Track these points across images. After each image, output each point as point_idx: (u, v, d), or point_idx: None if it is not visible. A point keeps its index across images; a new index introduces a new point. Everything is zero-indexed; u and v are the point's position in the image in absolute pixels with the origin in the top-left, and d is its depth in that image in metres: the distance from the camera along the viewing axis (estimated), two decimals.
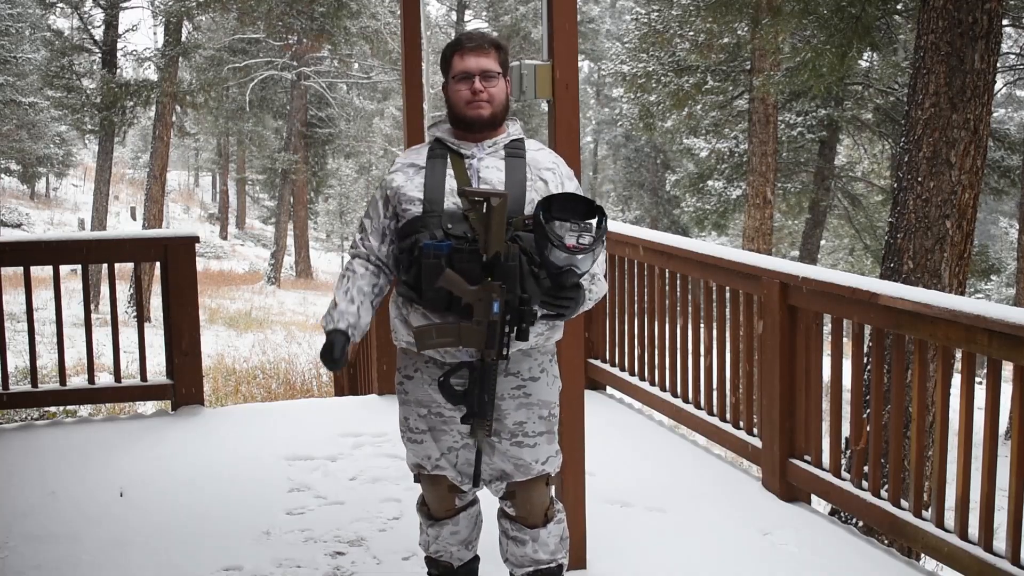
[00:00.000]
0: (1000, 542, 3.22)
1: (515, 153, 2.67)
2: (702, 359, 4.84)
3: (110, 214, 30.18)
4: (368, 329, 2.73)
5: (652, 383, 5.24)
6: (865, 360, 5.70)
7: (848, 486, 3.88)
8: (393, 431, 3.37)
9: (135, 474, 4.42)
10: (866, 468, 3.82)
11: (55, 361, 6.10)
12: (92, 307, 5.60)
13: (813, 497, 4.17)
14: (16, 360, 9.08)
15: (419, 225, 2.58)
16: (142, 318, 5.66)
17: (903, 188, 6.58)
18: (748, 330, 4.43)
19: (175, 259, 5.30)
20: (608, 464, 4.38)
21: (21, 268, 5.24)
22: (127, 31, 28.23)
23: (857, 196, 19.27)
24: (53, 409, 8.32)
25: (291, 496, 4.17)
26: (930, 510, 3.53)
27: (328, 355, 2.58)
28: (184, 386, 5.38)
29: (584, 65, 39.98)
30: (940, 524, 3.45)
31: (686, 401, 4.95)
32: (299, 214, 30.26)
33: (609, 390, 5.76)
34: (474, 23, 32.72)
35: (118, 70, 22.13)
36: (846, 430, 4.29)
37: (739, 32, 16.02)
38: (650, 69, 17.45)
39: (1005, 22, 12.80)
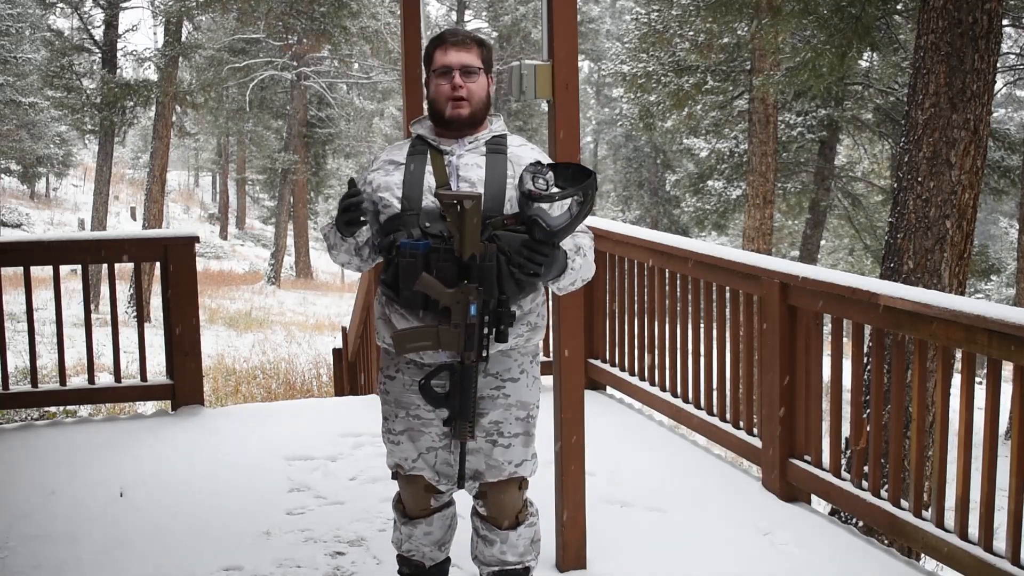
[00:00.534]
0: (1000, 542, 3.22)
1: (497, 149, 2.65)
2: (702, 359, 4.84)
3: (110, 214, 30.21)
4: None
5: (652, 383, 5.24)
6: (865, 360, 5.70)
7: (848, 486, 3.88)
8: None
9: (135, 474, 4.42)
10: (866, 468, 3.82)
11: (55, 361, 6.11)
12: (92, 307, 5.60)
13: (813, 497, 4.17)
14: (16, 360, 9.08)
15: (398, 223, 2.56)
16: (142, 318, 5.66)
17: (903, 188, 6.58)
18: (748, 330, 4.43)
19: (175, 259, 5.30)
20: (608, 464, 4.38)
21: (21, 268, 5.24)
22: (127, 31, 28.21)
23: (857, 196, 19.26)
24: (53, 409, 8.31)
25: (291, 496, 4.17)
26: (930, 510, 3.52)
27: (344, 199, 2.51)
28: (184, 386, 5.38)
29: (584, 65, 39.98)
30: (940, 524, 3.45)
31: (686, 401, 4.95)
32: (299, 214, 30.26)
33: (609, 390, 5.76)
34: (474, 23, 32.71)
35: (118, 70, 22.13)
36: (846, 430, 4.29)
37: (739, 32, 16.01)
38: (650, 69, 17.45)
39: (1005, 22, 12.80)
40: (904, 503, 3.65)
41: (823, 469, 4.02)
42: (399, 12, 5.72)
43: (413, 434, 2.71)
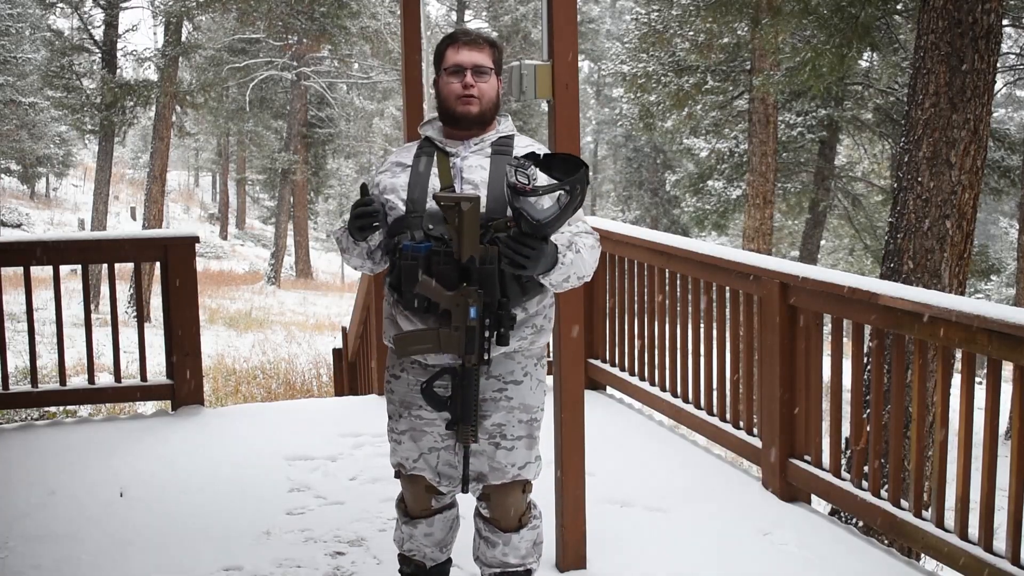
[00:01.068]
0: (1000, 542, 3.22)
1: (502, 151, 2.63)
2: (702, 359, 4.84)
3: (110, 214, 30.20)
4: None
5: (652, 383, 5.24)
6: (865, 360, 5.70)
7: (848, 486, 3.87)
8: None
9: (135, 474, 4.42)
10: (866, 468, 3.82)
11: (55, 361, 6.11)
12: (92, 307, 5.60)
13: (813, 497, 4.17)
14: (16, 360, 9.08)
15: (403, 225, 2.57)
16: (142, 318, 5.66)
17: (903, 188, 6.58)
18: (748, 330, 4.43)
19: (175, 259, 5.30)
20: (608, 464, 4.38)
21: (21, 268, 5.24)
22: (127, 31, 28.18)
23: (857, 196, 19.26)
24: (53, 409, 8.32)
25: (291, 496, 4.17)
26: (930, 510, 3.52)
27: (357, 205, 2.50)
28: (184, 386, 5.38)
29: (584, 65, 39.98)
30: (940, 524, 3.45)
31: (686, 401, 4.95)
32: (299, 214, 30.26)
33: (609, 390, 5.76)
34: (474, 23, 32.72)
35: (118, 70, 22.14)
36: (846, 430, 4.29)
37: (739, 32, 16.01)
38: (650, 69, 17.45)
39: (1005, 22, 12.80)
40: (904, 503, 3.65)
41: (823, 469, 4.02)
42: (399, 12, 5.72)
43: (415, 434, 2.71)
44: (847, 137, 20.15)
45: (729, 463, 4.64)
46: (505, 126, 2.70)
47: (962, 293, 6.63)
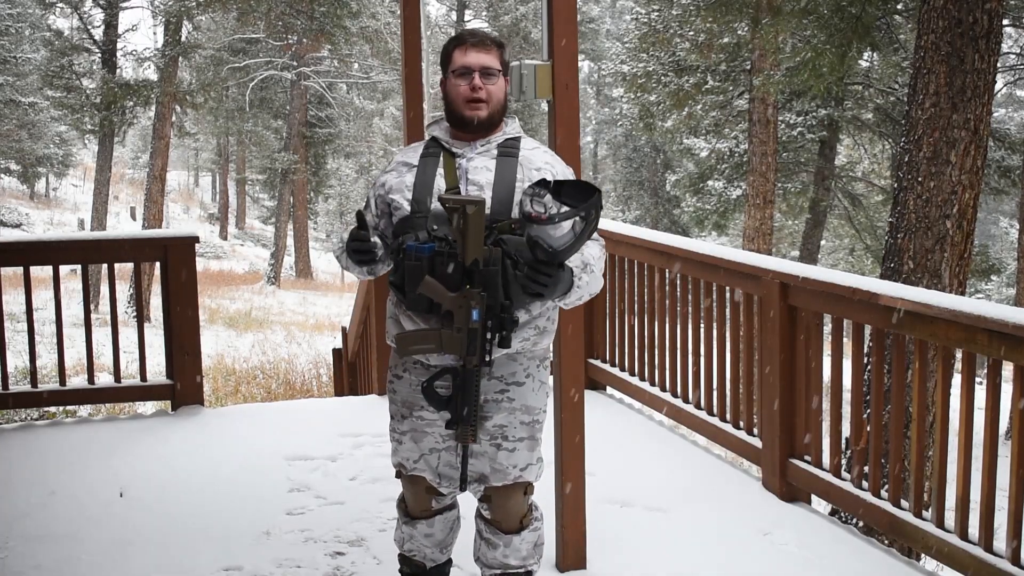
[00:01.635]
0: (1000, 542, 3.22)
1: (508, 152, 2.63)
2: (702, 359, 4.84)
3: (110, 214, 30.20)
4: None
5: (652, 383, 5.24)
6: (865, 360, 5.70)
7: (848, 486, 3.87)
8: None
9: (135, 474, 4.42)
10: (866, 468, 3.82)
11: (55, 361, 6.10)
12: (92, 307, 5.60)
13: (813, 497, 4.17)
14: (16, 360, 9.08)
15: (407, 226, 2.56)
16: (142, 318, 5.66)
17: (903, 188, 6.58)
18: (748, 330, 4.43)
19: (175, 259, 5.29)
20: (608, 464, 4.38)
21: (21, 268, 5.24)
22: (127, 31, 28.18)
23: (857, 196, 19.26)
24: (53, 409, 8.32)
25: (291, 496, 4.17)
26: (930, 510, 3.52)
27: (354, 231, 2.52)
28: (184, 386, 5.38)
29: (584, 65, 39.98)
30: (940, 524, 3.45)
31: (686, 401, 4.95)
32: (299, 214, 30.26)
33: (609, 390, 5.76)
34: (474, 23, 32.73)
35: (118, 70, 22.14)
36: (846, 430, 4.29)
37: (739, 32, 16.01)
38: (650, 69, 17.46)
39: (1005, 22, 12.79)
40: (904, 503, 3.65)
41: (823, 469, 4.02)
42: (399, 12, 5.72)
43: (416, 435, 2.71)
44: (847, 137, 20.16)
45: (729, 463, 4.64)
46: (512, 128, 2.69)
47: (962, 293, 6.63)
